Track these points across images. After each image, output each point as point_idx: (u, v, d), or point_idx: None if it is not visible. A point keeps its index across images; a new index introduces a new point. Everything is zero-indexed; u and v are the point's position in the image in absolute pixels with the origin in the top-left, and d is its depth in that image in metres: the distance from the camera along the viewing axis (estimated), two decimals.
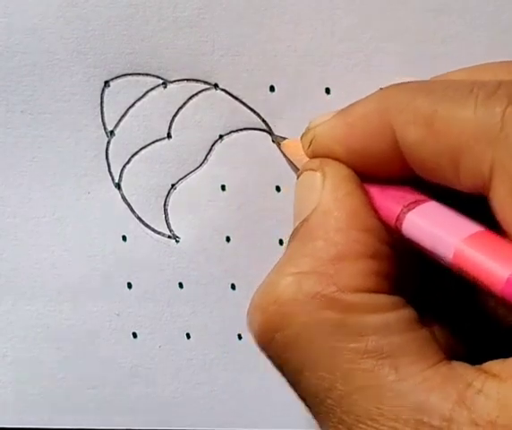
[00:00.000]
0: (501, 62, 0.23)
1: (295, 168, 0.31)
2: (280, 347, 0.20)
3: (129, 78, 0.30)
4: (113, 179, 0.32)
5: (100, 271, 0.32)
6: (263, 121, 0.30)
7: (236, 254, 0.32)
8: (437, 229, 0.20)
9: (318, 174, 0.23)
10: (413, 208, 0.21)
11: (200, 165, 0.31)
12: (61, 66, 0.30)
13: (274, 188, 0.31)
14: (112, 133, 0.31)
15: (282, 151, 0.31)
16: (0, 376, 0.34)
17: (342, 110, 0.23)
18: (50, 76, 0.31)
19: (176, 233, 0.32)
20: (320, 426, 0.20)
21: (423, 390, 0.18)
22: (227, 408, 0.34)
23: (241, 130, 0.31)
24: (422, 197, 0.21)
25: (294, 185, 0.24)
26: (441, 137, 0.20)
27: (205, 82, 0.30)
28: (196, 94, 0.30)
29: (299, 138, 0.27)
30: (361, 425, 0.18)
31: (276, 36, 0.29)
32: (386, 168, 0.22)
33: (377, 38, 0.29)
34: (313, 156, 0.24)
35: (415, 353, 0.19)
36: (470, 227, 0.19)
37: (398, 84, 0.22)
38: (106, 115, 0.31)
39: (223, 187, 0.31)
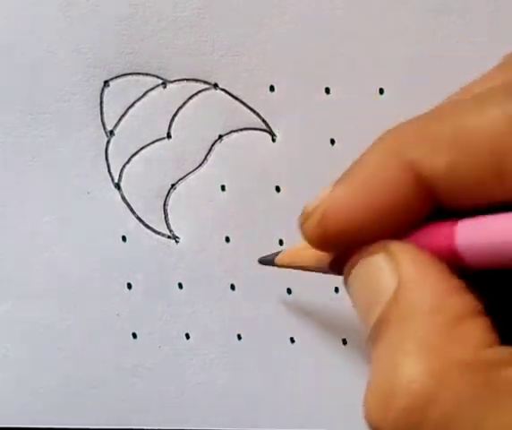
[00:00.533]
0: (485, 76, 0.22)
1: (302, 162, 0.30)
2: (436, 424, 0.19)
3: (129, 78, 0.30)
4: (112, 179, 0.32)
5: (100, 272, 0.32)
6: (263, 121, 0.30)
7: (236, 254, 0.32)
8: (494, 221, 0.19)
9: (382, 255, 0.21)
10: (455, 234, 0.19)
11: (200, 165, 0.31)
12: (61, 66, 0.30)
13: (274, 188, 0.31)
14: (112, 132, 0.31)
15: (278, 266, 0.29)
16: (0, 376, 0.34)
17: (345, 174, 0.21)
18: (50, 76, 0.31)
19: (176, 233, 0.32)
20: None
21: None
22: (227, 408, 0.34)
23: (241, 130, 0.31)
24: (451, 221, 0.20)
25: (349, 283, 0.22)
26: (474, 150, 0.18)
27: (205, 82, 0.30)
28: (196, 94, 0.30)
29: (290, 248, 0.26)
30: None
31: (276, 36, 0.29)
32: (409, 217, 0.20)
33: (377, 38, 0.29)
34: (324, 241, 0.21)
35: None
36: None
37: (400, 124, 0.20)
38: (105, 115, 0.31)
39: (223, 187, 0.31)
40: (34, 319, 0.33)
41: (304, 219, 0.22)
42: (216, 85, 0.30)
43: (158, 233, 0.32)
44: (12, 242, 0.32)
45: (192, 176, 0.31)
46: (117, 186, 0.32)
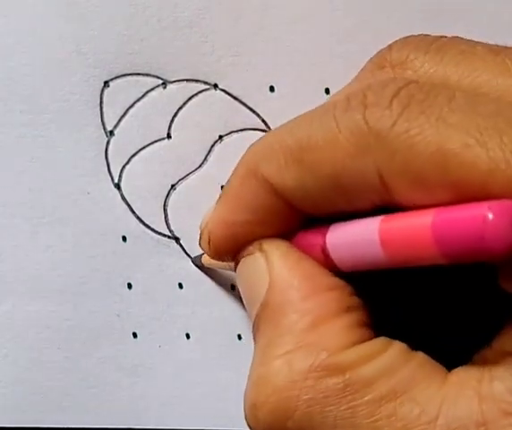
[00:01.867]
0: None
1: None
2: None
3: (128, 78, 0.30)
4: (112, 179, 0.32)
5: (100, 272, 0.32)
6: (263, 121, 0.30)
7: None
8: (355, 227, 0.20)
9: (257, 255, 0.22)
10: (326, 237, 0.21)
11: (200, 165, 0.31)
12: (60, 66, 0.30)
13: None
14: (111, 133, 0.31)
15: (205, 268, 0.31)
16: (0, 376, 0.34)
17: (222, 192, 0.23)
18: (50, 76, 0.31)
19: (176, 233, 0.32)
20: None
21: (448, 408, 0.18)
22: (227, 408, 0.34)
23: (241, 130, 0.31)
24: (322, 228, 0.21)
25: (237, 279, 0.24)
26: (315, 169, 0.19)
27: (205, 83, 0.30)
28: (196, 94, 0.30)
29: None
30: None
31: (276, 36, 0.29)
32: (282, 226, 0.22)
33: (376, 38, 0.29)
34: (217, 253, 0.24)
35: (425, 378, 0.19)
36: (375, 219, 0.19)
37: (262, 136, 0.22)
38: (105, 115, 0.31)
39: (223, 188, 0.31)
40: (34, 318, 0.33)
41: (200, 237, 0.25)
42: (216, 85, 0.30)
43: (158, 233, 0.32)
44: (12, 241, 0.32)
45: (192, 177, 0.31)
46: (117, 186, 0.32)
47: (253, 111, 0.30)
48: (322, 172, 0.19)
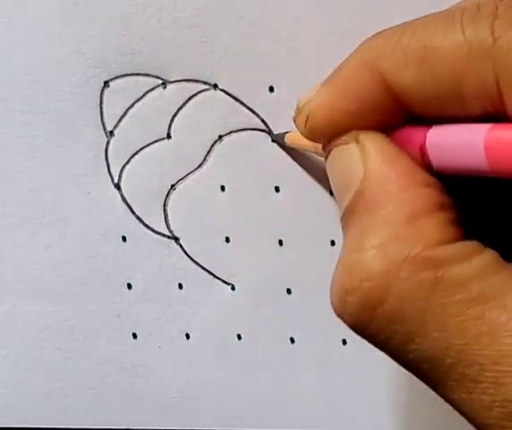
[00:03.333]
0: None
1: (301, 162, 0.31)
2: (383, 321, 0.20)
3: (128, 78, 0.30)
4: (112, 179, 0.32)
5: (100, 272, 0.32)
6: (263, 121, 0.30)
7: (236, 255, 0.32)
8: (460, 130, 0.19)
9: (353, 145, 0.22)
10: (427, 136, 0.21)
11: (200, 165, 0.31)
12: (60, 66, 0.30)
13: (273, 188, 0.31)
14: (111, 133, 0.31)
15: (285, 146, 0.31)
16: (0, 376, 0.34)
17: (329, 77, 0.23)
18: (50, 76, 0.31)
19: (176, 233, 0.32)
20: (441, 392, 0.20)
21: None
22: (227, 408, 0.34)
23: (240, 130, 0.31)
24: (423, 127, 0.21)
25: (327, 168, 0.24)
26: (437, 70, 0.19)
27: (204, 83, 0.30)
28: (196, 94, 0.30)
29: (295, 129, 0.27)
30: (486, 372, 0.18)
31: (275, 36, 0.29)
32: (384, 120, 0.22)
33: None
34: (312, 133, 0.23)
35: None
36: (483, 126, 0.19)
37: (380, 32, 0.22)
38: (105, 115, 0.31)
39: (222, 188, 0.31)
40: (34, 318, 0.33)
41: (296, 114, 0.24)
42: (216, 86, 0.30)
43: (158, 233, 0.32)
44: (13, 242, 0.32)
45: (191, 177, 0.31)
46: (117, 186, 0.32)
47: (253, 111, 0.30)
48: (442, 74, 0.19)
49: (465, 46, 0.19)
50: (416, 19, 0.21)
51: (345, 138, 0.22)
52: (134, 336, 0.33)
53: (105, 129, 0.31)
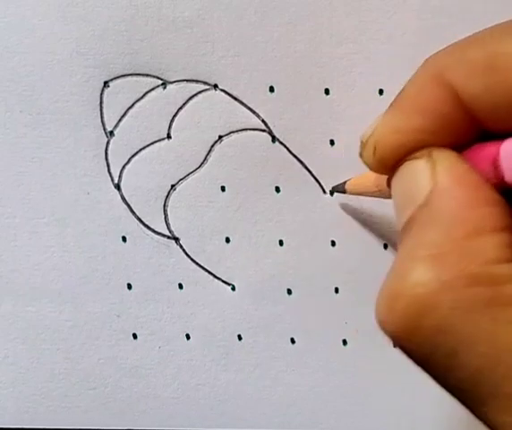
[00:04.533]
0: None
1: (302, 161, 0.31)
2: (429, 333, 0.19)
3: (128, 78, 0.30)
4: (112, 180, 0.32)
5: (100, 272, 0.32)
6: (263, 121, 0.30)
7: (236, 255, 0.32)
8: None
9: (423, 160, 0.21)
10: (500, 148, 0.20)
11: (200, 165, 0.31)
12: (60, 67, 0.30)
13: (273, 189, 0.31)
14: (111, 133, 0.31)
15: (348, 193, 0.30)
16: (0, 376, 0.34)
17: (393, 102, 0.22)
18: (50, 76, 0.31)
19: (176, 234, 0.32)
20: (483, 413, 0.19)
21: None
22: (227, 408, 0.34)
23: (240, 131, 0.31)
24: (497, 142, 0.20)
25: (392, 186, 0.23)
26: (507, 76, 0.19)
27: (205, 83, 0.30)
28: (196, 95, 0.30)
29: (355, 177, 0.27)
30: None
31: (275, 37, 0.29)
32: (456, 136, 0.21)
33: (376, 38, 0.29)
34: (381, 162, 0.23)
35: None
36: None
37: (439, 51, 0.21)
38: (105, 115, 0.31)
39: (222, 188, 0.31)
40: (34, 319, 0.33)
41: (361, 149, 0.24)
42: (216, 86, 0.30)
43: (158, 233, 0.32)
44: (13, 242, 0.32)
45: (191, 177, 0.31)
46: (117, 187, 0.32)
47: (253, 111, 0.30)
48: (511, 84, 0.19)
49: None
50: (480, 31, 0.21)
51: (417, 154, 0.22)
52: (134, 336, 0.33)
53: (105, 129, 0.31)
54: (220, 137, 0.31)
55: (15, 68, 0.31)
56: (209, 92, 0.30)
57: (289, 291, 0.32)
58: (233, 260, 0.32)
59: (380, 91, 0.30)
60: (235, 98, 0.30)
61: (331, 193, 0.31)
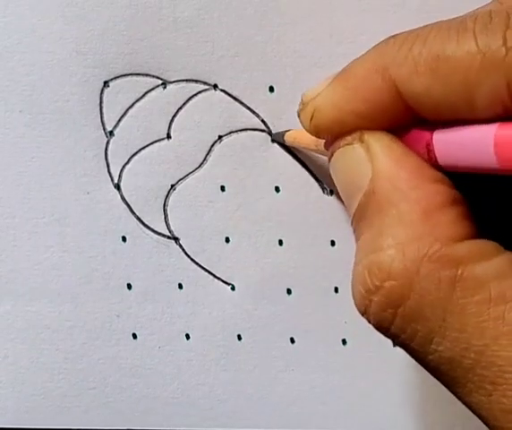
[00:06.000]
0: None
1: (302, 161, 0.31)
2: (404, 320, 0.20)
3: (128, 78, 0.30)
4: (112, 180, 0.32)
5: (100, 272, 0.32)
6: (262, 121, 0.30)
7: (236, 255, 0.32)
8: (468, 129, 0.20)
9: (358, 145, 0.22)
10: (433, 135, 0.21)
11: (200, 165, 0.31)
12: (60, 66, 0.30)
13: (273, 189, 0.31)
14: (111, 133, 0.31)
15: (284, 145, 0.31)
16: (0, 376, 0.34)
17: (338, 75, 0.23)
18: (49, 76, 0.31)
19: (176, 233, 0.32)
20: (459, 394, 0.20)
21: None
22: (227, 408, 0.34)
23: (240, 131, 0.31)
24: (430, 127, 0.21)
25: (330, 168, 0.24)
26: (449, 79, 0.19)
27: (204, 83, 0.30)
28: (195, 95, 0.30)
29: (296, 129, 0.27)
30: (505, 374, 0.18)
31: (275, 37, 0.29)
32: (391, 122, 0.22)
33: (376, 39, 0.29)
34: (316, 130, 0.24)
35: None
36: (492, 125, 0.19)
37: (392, 37, 0.22)
38: (105, 115, 0.31)
39: (222, 188, 0.31)
40: (34, 319, 0.33)
41: (301, 109, 0.24)
42: (215, 86, 0.30)
43: (158, 233, 0.32)
44: (12, 242, 0.32)
45: (191, 177, 0.31)
46: (117, 186, 0.32)
47: (253, 111, 0.30)
48: (454, 83, 0.19)
49: (478, 55, 0.19)
50: (428, 25, 0.21)
51: (348, 138, 0.22)
52: (134, 336, 0.33)
53: (105, 129, 0.31)
54: (220, 137, 0.31)
55: (15, 68, 0.31)
56: (208, 92, 0.30)
57: (289, 291, 0.32)
58: (233, 260, 0.32)
59: None
60: (235, 98, 0.30)
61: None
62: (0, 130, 0.31)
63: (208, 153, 0.31)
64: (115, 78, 0.30)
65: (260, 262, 0.32)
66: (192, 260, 0.32)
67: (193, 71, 0.30)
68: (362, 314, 0.21)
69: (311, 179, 0.31)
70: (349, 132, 0.23)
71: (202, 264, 0.32)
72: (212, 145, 0.31)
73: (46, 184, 0.32)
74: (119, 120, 0.31)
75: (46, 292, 0.33)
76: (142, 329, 0.33)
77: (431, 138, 0.21)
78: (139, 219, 0.32)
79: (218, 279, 0.32)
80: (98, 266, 0.32)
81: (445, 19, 0.29)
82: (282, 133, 0.30)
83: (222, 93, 0.30)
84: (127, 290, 0.33)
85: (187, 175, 0.31)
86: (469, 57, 0.19)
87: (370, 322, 0.21)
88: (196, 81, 0.30)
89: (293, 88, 0.30)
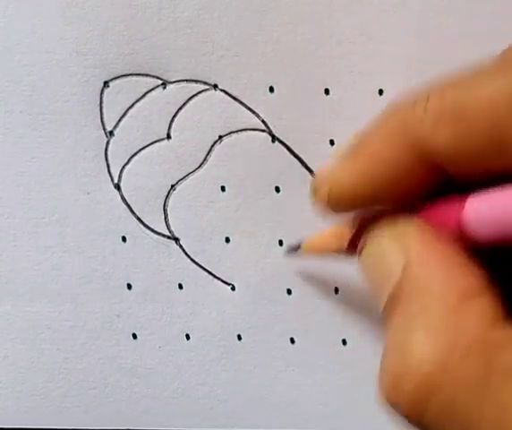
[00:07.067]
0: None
1: (302, 161, 0.31)
2: (439, 409, 0.19)
3: (128, 78, 0.30)
4: (112, 180, 0.32)
5: (100, 272, 0.32)
6: (262, 121, 0.30)
7: (236, 255, 0.32)
8: (502, 196, 0.19)
9: (388, 234, 0.22)
10: (465, 205, 0.20)
11: (200, 166, 0.31)
12: (60, 66, 0.30)
13: (273, 189, 0.31)
14: (111, 133, 0.31)
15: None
16: (0, 376, 0.34)
17: (352, 146, 0.22)
18: (49, 76, 0.31)
19: (176, 234, 0.32)
20: None
21: None
22: (227, 408, 0.34)
23: (240, 131, 0.31)
24: (460, 197, 0.20)
25: (361, 263, 0.23)
26: (475, 126, 0.19)
27: (204, 83, 0.30)
28: (195, 95, 0.30)
29: (310, 237, 0.27)
30: None
31: (275, 37, 0.29)
32: (416, 188, 0.21)
33: (376, 39, 0.29)
34: (337, 205, 0.23)
35: None
36: None
37: (402, 99, 0.21)
38: (105, 115, 0.31)
39: (222, 188, 0.31)
40: (34, 319, 0.33)
41: (314, 193, 0.24)
42: (215, 86, 0.30)
43: (158, 233, 0.32)
44: (12, 242, 0.32)
45: (191, 177, 0.31)
46: (117, 187, 0.32)
47: (253, 111, 0.30)
48: (482, 127, 0.19)
49: (504, 97, 0.18)
50: (441, 79, 0.20)
51: (380, 228, 0.22)
52: (134, 336, 0.33)
53: (105, 129, 0.31)
54: (220, 137, 0.31)
55: (15, 68, 0.31)
56: (208, 92, 0.30)
57: (289, 291, 0.32)
58: (233, 260, 0.32)
59: (380, 91, 0.30)
60: (235, 99, 0.30)
61: (288, 251, 0.32)
62: (0, 130, 0.31)
63: (208, 153, 0.31)
64: (115, 78, 0.30)
65: (260, 262, 0.32)
66: (191, 260, 0.32)
67: (193, 71, 0.30)
68: (391, 402, 0.21)
69: (311, 179, 0.31)
70: (372, 203, 0.22)
71: (202, 264, 0.32)
72: (212, 145, 0.31)
73: (47, 185, 0.32)
74: (119, 120, 0.31)
75: (46, 292, 0.33)
76: (142, 329, 0.33)
77: (463, 211, 0.20)
78: (139, 219, 0.32)
79: (218, 279, 0.32)
80: (98, 266, 0.32)
81: (446, 18, 0.29)
82: (296, 246, 0.30)
83: (222, 93, 0.30)
84: (127, 290, 0.33)
85: (187, 175, 0.31)
86: (494, 99, 0.18)
87: (399, 410, 0.20)
88: (196, 81, 0.30)
89: (293, 88, 0.30)
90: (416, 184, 0.21)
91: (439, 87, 0.20)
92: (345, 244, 0.24)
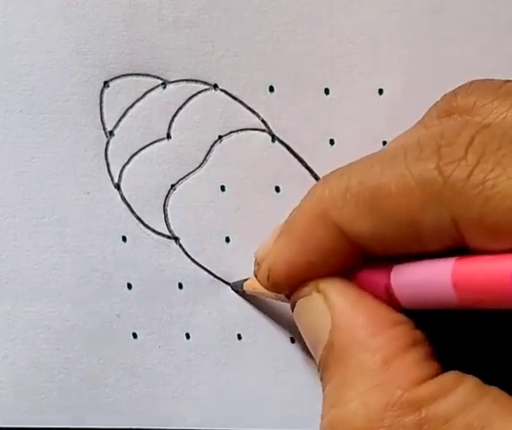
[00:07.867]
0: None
1: (302, 161, 0.31)
2: None
3: (128, 78, 0.30)
4: (112, 179, 0.32)
5: (100, 272, 0.32)
6: (263, 121, 0.30)
7: (236, 255, 0.32)
8: (425, 268, 0.19)
9: (314, 295, 0.22)
10: (390, 276, 0.21)
11: (200, 165, 0.31)
12: (60, 66, 0.30)
13: (273, 189, 0.31)
14: (111, 133, 0.31)
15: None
16: (0, 376, 0.34)
17: (283, 228, 0.23)
18: (49, 76, 0.31)
19: (176, 233, 0.32)
20: None
21: None
22: (227, 408, 0.34)
23: (240, 130, 0.31)
24: (385, 267, 0.21)
25: (295, 317, 0.24)
26: (391, 216, 0.19)
27: (204, 83, 0.30)
28: (195, 95, 0.30)
29: (252, 276, 0.27)
30: None
31: (275, 37, 0.30)
32: (344, 265, 0.22)
33: (376, 39, 0.29)
34: (276, 288, 0.24)
35: (501, 413, 0.18)
36: (448, 261, 0.19)
37: (327, 177, 0.22)
38: (105, 115, 0.31)
39: (222, 188, 0.31)
40: (34, 319, 0.33)
41: (256, 269, 0.25)
42: (215, 86, 0.30)
43: (158, 233, 0.32)
44: (12, 242, 0.32)
45: (191, 177, 0.31)
46: (117, 186, 0.32)
47: (253, 111, 0.30)
48: (397, 220, 0.19)
49: (416, 188, 0.18)
50: (360, 160, 0.21)
51: (306, 289, 0.23)
52: (134, 336, 0.33)
53: (105, 129, 0.31)
54: (220, 137, 0.31)
55: (15, 68, 0.31)
56: (208, 92, 0.30)
57: None
58: (233, 260, 0.32)
59: (380, 91, 0.30)
60: (235, 98, 0.30)
61: (233, 288, 0.32)
62: (1, 130, 0.31)
63: (208, 153, 0.31)
64: (115, 78, 0.30)
65: None
66: (192, 260, 0.32)
67: (193, 71, 0.30)
68: None
69: (312, 179, 0.31)
70: (306, 282, 0.23)
71: (202, 264, 0.32)
72: (212, 145, 0.31)
73: (46, 185, 0.32)
74: (119, 120, 0.31)
75: (46, 292, 0.33)
76: (142, 329, 0.33)
77: (389, 278, 0.21)
78: (139, 218, 0.32)
79: (218, 278, 0.32)
80: (98, 266, 0.32)
81: (446, 18, 0.29)
82: (241, 283, 0.31)
83: (222, 93, 0.30)
84: (127, 290, 0.33)
85: (187, 175, 0.31)
86: (406, 191, 0.19)
87: None
88: (196, 81, 0.30)
89: (293, 88, 0.30)
90: (344, 262, 0.22)
91: (358, 171, 0.21)
92: (282, 295, 0.25)
